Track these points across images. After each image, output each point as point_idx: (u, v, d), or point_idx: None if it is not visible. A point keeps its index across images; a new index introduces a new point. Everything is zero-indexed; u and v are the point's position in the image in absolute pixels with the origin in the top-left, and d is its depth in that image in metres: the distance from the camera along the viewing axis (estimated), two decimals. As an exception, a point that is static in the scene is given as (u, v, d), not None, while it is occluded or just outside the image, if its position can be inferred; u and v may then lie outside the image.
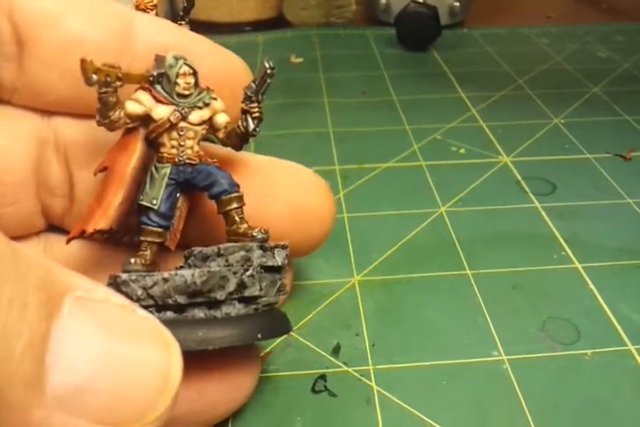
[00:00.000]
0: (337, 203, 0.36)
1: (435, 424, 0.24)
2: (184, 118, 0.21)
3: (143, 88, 0.21)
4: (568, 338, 0.28)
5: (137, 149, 0.21)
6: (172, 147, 0.21)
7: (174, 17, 0.38)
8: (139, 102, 0.21)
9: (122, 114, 0.20)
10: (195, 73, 0.21)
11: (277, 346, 0.27)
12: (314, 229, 0.25)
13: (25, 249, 0.13)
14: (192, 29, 0.32)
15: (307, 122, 0.46)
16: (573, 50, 0.60)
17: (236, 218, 0.22)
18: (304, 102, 0.50)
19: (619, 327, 0.28)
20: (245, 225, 0.22)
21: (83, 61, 0.19)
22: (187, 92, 0.21)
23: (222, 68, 0.23)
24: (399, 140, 0.44)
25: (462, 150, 0.42)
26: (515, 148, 0.43)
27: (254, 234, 0.21)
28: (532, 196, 0.37)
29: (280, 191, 0.24)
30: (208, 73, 0.21)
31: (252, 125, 0.22)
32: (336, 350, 0.27)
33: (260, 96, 0.22)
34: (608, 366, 0.26)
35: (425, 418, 0.24)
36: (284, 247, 0.22)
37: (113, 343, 0.13)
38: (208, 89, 0.22)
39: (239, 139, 0.23)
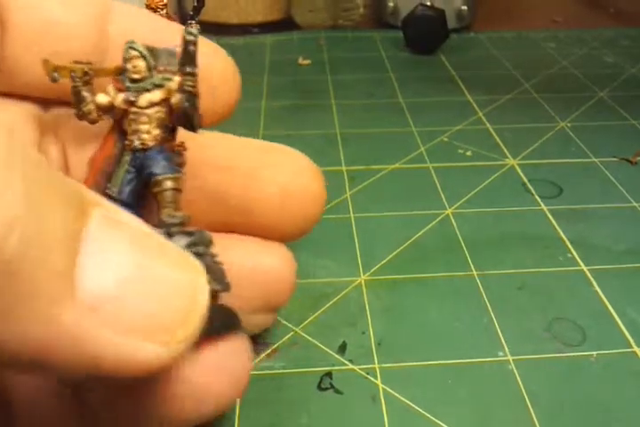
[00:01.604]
0: (344, 203, 0.37)
1: (440, 423, 0.24)
2: (132, 103, 0.21)
3: (115, 79, 0.21)
4: (573, 339, 0.28)
5: (112, 139, 0.21)
6: (131, 133, 0.21)
7: (183, 16, 0.38)
8: (107, 93, 0.21)
9: (92, 106, 0.21)
10: (144, 56, 0.20)
11: (283, 344, 0.27)
12: (302, 212, 0.24)
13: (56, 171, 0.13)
14: (202, 30, 0.33)
15: (314, 123, 0.46)
16: (580, 54, 0.60)
17: (163, 202, 0.20)
18: (311, 104, 0.50)
19: (624, 329, 0.28)
20: (168, 209, 0.20)
21: (43, 62, 0.19)
22: (137, 76, 0.20)
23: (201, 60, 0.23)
24: (406, 142, 0.44)
25: (469, 153, 0.42)
26: (521, 151, 0.43)
27: (164, 219, 0.20)
28: (538, 198, 0.38)
29: (268, 173, 0.24)
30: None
31: (184, 101, 0.21)
32: (342, 348, 0.27)
33: (186, 68, 0.20)
34: (613, 367, 0.26)
35: (430, 416, 0.24)
36: (189, 234, 0.19)
37: (144, 259, 0.13)
38: (165, 71, 0.21)
39: (183, 119, 0.21)
